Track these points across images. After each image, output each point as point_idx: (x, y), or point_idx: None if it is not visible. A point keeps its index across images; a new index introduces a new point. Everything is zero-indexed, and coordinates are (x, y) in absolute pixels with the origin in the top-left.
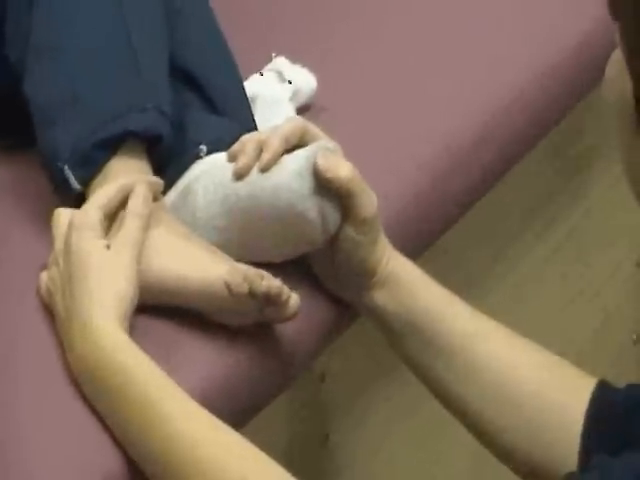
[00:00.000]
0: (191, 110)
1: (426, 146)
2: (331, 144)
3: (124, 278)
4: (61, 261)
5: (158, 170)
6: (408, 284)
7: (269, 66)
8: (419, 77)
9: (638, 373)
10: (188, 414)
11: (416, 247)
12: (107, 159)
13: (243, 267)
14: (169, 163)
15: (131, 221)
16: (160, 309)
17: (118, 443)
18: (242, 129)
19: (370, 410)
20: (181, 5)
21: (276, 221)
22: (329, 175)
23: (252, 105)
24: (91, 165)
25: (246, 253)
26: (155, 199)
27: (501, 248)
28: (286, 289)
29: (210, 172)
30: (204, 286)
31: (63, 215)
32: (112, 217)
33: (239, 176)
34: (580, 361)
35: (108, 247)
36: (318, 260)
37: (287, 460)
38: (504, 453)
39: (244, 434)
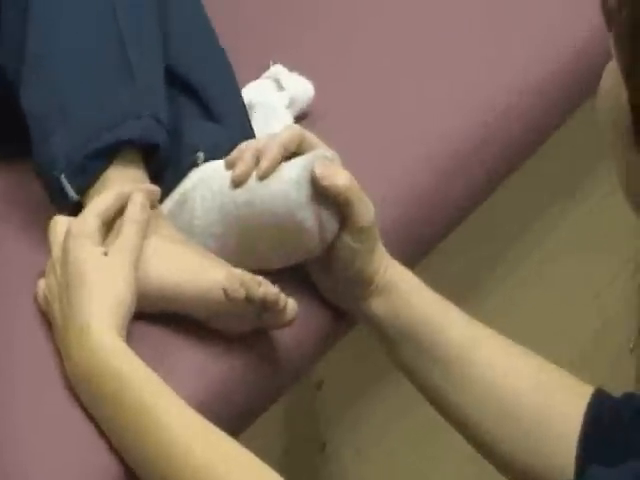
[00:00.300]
0: (188, 117)
1: (424, 153)
2: (329, 152)
3: (122, 285)
4: (58, 268)
5: (155, 178)
6: (405, 293)
7: (266, 74)
8: (417, 84)
9: (635, 381)
10: (184, 421)
11: (416, 253)
12: (104, 168)
13: (240, 272)
14: (166, 171)
15: (129, 229)
16: (156, 316)
17: (115, 447)
18: (240, 137)
19: (367, 417)
20: (176, 11)
21: (273, 229)
22: (327, 183)
23: (249, 113)
24: (88, 174)
25: (243, 261)
26: (152, 207)
27: (501, 250)
28: (283, 295)
29: (207, 180)
30: (201, 292)
31: (60, 223)
32: (109, 225)
33: (237, 184)
34: (579, 365)
35: (106, 254)
36: (315, 268)
37: (283, 468)
38: (503, 463)
39: (240, 441)
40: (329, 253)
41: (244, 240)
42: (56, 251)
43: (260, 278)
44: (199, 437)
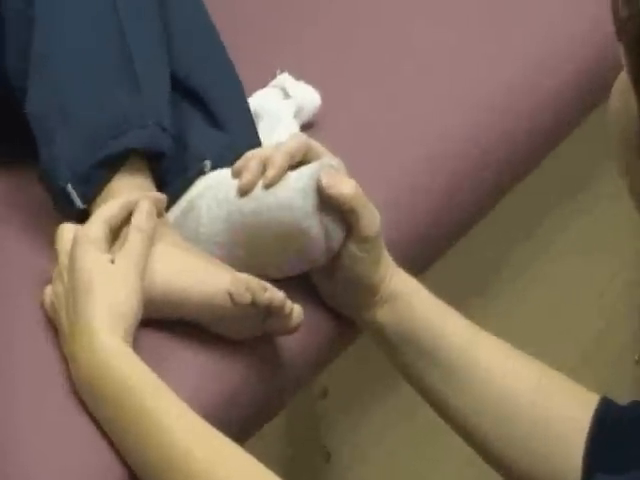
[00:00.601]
0: (195, 126)
1: (432, 164)
2: (335, 161)
3: (128, 293)
4: (65, 276)
5: (161, 186)
6: (411, 303)
7: (273, 82)
8: (425, 95)
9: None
10: (185, 424)
11: (422, 260)
12: (110, 176)
13: (246, 277)
14: (173, 179)
15: (135, 236)
16: (161, 321)
17: (116, 449)
18: (246, 145)
19: (370, 425)
20: (179, 16)
21: (279, 238)
22: (332, 192)
23: (256, 121)
24: (94, 183)
25: (249, 269)
26: (159, 215)
27: (506, 252)
28: (289, 301)
29: (214, 188)
30: (207, 296)
31: (67, 230)
32: (116, 233)
33: (243, 192)
34: (581, 364)
35: (112, 262)
36: (320, 277)
37: (287, 474)
38: (502, 466)
39: (243, 449)
40: (334, 262)
41: (250, 248)
42: (63, 258)
43: (266, 283)
44: (200, 440)
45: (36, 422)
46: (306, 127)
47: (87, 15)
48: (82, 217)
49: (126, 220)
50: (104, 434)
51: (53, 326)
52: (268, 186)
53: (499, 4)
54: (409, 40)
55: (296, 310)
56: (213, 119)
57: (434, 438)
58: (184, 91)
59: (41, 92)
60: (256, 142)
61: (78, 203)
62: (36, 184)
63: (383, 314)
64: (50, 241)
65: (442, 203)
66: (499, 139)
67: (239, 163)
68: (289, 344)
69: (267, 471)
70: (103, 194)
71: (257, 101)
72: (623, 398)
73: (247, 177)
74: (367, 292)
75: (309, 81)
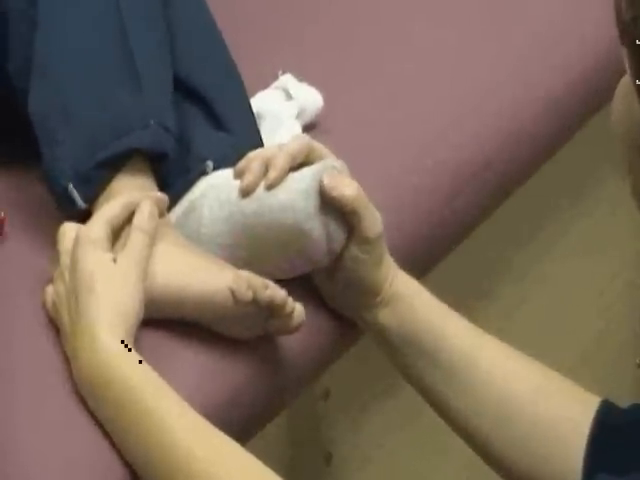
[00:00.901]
0: (197, 126)
1: (434, 164)
2: (337, 163)
3: (130, 293)
4: (67, 275)
5: (164, 186)
6: (412, 304)
7: (275, 83)
8: (427, 96)
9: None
10: (186, 423)
11: (424, 261)
12: (112, 177)
13: (248, 274)
14: (175, 179)
15: (137, 236)
16: (163, 321)
17: (118, 448)
18: (248, 146)
19: (373, 428)
20: (182, 17)
21: (281, 239)
22: (335, 194)
23: (258, 122)
24: (96, 183)
25: (250, 270)
26: (161, 215)
27: (507, 254)
28: (290, 300)
29: (216, 189)
30: (209, 294)
31: (69, 230)
32: (117, 233)
33: (245, 193)
34: (580, 364)
35: (114, 261)
36: (322, 278)
37: (288, 475)
38: (503, 468)
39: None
40: (336, 263)
41: (252, 249)
42: (64, 258)
43: (268, 281)
44: (201, 440)
45: (36, 422)
46: (308, 128)
47: (90, 15)
48: (84, 217)
49: (127, 220)
50: (105, 434)
51: (54, 326)
52: (270, 187)
53: (501, 3)
54: (410, 40)
55: (297, 309)
56: (215, 120)
57: (435, 439)
58: (186, 92)
59: (43, 92)
60: (258, 143)
61: (80, 203)
62: (37, 184)
63: (384, 316)
64: (51, 241)
65: (444, 204)
66: (503, 140)
67: (241, 164)
68: (291, 344)
69: (268, 470)
70: (105, 194)
71: (259, 102)
72: (623, 399)
73: (249, 178)
74: (369, 294)
75: (311, 82)
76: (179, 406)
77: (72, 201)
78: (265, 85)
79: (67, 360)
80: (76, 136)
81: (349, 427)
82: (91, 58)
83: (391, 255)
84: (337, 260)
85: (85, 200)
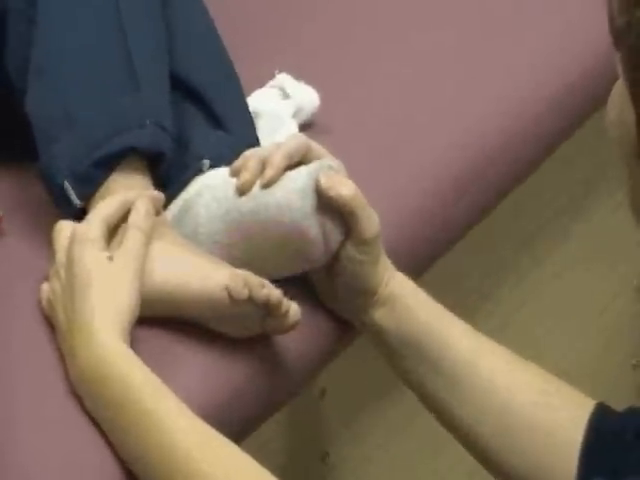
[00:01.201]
0: (194, 125)
1: (430, 164)
2: (334, 162)
3: (126, 290)
4: (63, 273)
5: (160, 184)
6: (408, 305)
7: (272, 82)
8: (424, 96)
9: (636, 396)
10: (185, 425)
11: (418, 265)
12: (108, 175)
13: (244, 273)
14: (172, 178)
15: (133, 234)
16: (160, 321)
17: (116, 449)
18: (245, 144)
19: (369, 427)
20: (180, 16)
21: (278, 238)
22: (331, 193)
23: (255, 121)
24: (92, 182)
25: (247, 269)
26: (157, 213)
27: (506, 267)
28: (286, 300)
29: (212, 187)
30: (205, 292)
31: (65, 228)
32: (113, 231)
33: (241, 192)
34: (580, 377)
35: (110, 259)
36: (318, 278)
37: (284, 475)
38: (502, 473)
39: (241, 449)
40: (333, 263)
41: (248, 248)
42: (60, 256)
43: (264, 280)
44: (200, 441)
45: (35, 420)
46: (305, 127)
47: (88, 15)
48: (80, 215)
49: (124, 218)
50: (104, 433)
51: (51, 324)
52: (266, 186)
53: (499, 3)
54: (409, 40)
55: (293, 308)
56: (212, 118)
57: (433, 439)
58: (184, 91)
59: (41, 91)
60: (255, 142)
61: (75, 201)
62: (36, 183)
63: (381, 316)
64: (50, 239)
65: (447, 205)
66: (506, 140)
67: (237, 162)
68: (288, 344)
69: (265, 472)
70: (101, 193)
71: (256, 101)
72: (620, 403)
73: (245, 176)
74: (365, 294)
75: (308, 81)
76: (178, 407)
77: (68, 199)
78: (261, 84)
79: (64, 358)
80: (73, 134)
81: (346, 426)
82: (89, 57)
83: (390, 255)
84: (334, 260)
85: (81, 198)
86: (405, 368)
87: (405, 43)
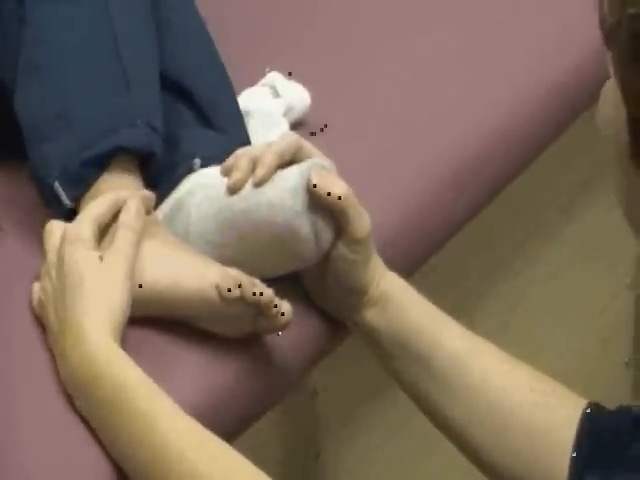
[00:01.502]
0: (184, 124)
1: (422, 164)
2: (325, 161)
3: (117, 290)
4: (54, 273)
5: (151, 184)
6: (400, 305)
7: (263, 81)
8: (416, 95)
9: (631, 395)
10: (177, 425)
11: (410, 264)
12: (98, 176)
13: (235, 272)
14: (162, 177)
15: (124, 234)
16: (153, 321)
17: (108, 451)
18: (236, 143)
19: (362, 426)
20: (171, 17)
21: (269, 237)
22: (323, 193)
23: (245, 120)
24: (82, 182)
25: (239, 268)
26: (147, 213)
27: (502, 264)
28: (278, 299)
29: (204, 186)
30: (196, 292)
31: (56, 228)
32: (104, 231)
33: (232, 191)
34: (576, 377)
35: (101, 259)
36: (310, 277)
37: (278, 475)
38: (492, 470)
39: (235, 447)
40: (324, 262)
41: (240, 247)
42: (51, 256)
43: (255, 279)
44: (193, 442)
45: (34, 420)
46: (296, 126)
47: (78, 16)
48: (70, 215)
49: (114, 218)
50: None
51: (43, 324)
52: (257, 185)
53: (498, 5)
54: (405, 41)
55: (285, 307)
56: (203, 118)
57: (427, 437)
58: (175, 90)
59: (30, 91)
60: (246, 141)
61: (66, 201)
62: (31, 183)
63: (372, 316)
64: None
65: (444, 204)
66: (501, 139)
67: (229, 161)
68: (280, 343)
69: (259, 472)
70: (91, 193)
71: (247, 100)
72: (616, 403)
73: (237, 176)
74: (356, 293)
75: (299, 80)
76: (171, 408)
77: (58, 200)
78: (252, 83)
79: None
80: (63, 135)
81: (340, 425)
82: (79, 58)
83: (385, 254)
84: (325, 259)
85: (71, 199)
86: (396, 368)
87: (398, 44)
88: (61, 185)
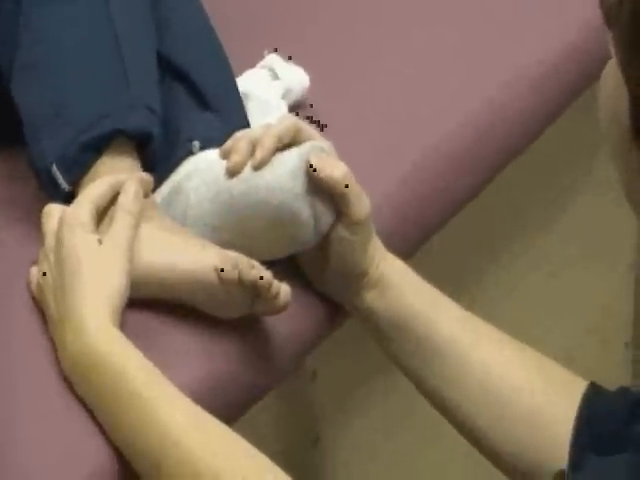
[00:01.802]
0: (183, 107)
1: (420, 145)
2: (325, 144)
3: (116, 273)
4: (52, 257)
5: (149, 168)
6: (399, 287)
7: (261, 63)
8: (413, 77)
9: (632, 376)
10: (178, 409)
11: (409, 246)
12: (95, 159)
13: (234, 254)
14: (161, 160)
15: (122, 217)
16: (151, 304)
17: (109, 436)
18: (235, 126)
19: (361, 410)
20: (172, 2)
21: (268, 220)
22: (322, 175)
23: (244, 102)
24: (80, 165)
25: (237, 251)
26: (145, 196)
27: (500, 244)
28: (276, 282)
29: (202, 169)
30: (194, 273)
31: (54, 211)
32: (102, 214)
33: (231, 173)
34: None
35: (100, 242)
36: (309, 260)
37: (276, 459)
38: (492, 454)
39: (233, 430)
40: (323, 245)
41: (238, 230)
42: (49, 240)
43: (253, 261)
44: (193, 426)
45: (34, 416)
46: (294, 108)
47: (77, 15)
48: (69, 201)
49: (112, 201)
50: (99, 423)
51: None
52: (257, 168)
53: (501, 1)
54: (401, 25)
55: (283, 289)
56: (202, 100)
57: (427, 422)
58: (174, 73)
59: (29, 89)
60: (245, 123)
61: (63, 185)
62: (30, 171)
63: (371, 298)
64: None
65: (438, 188)
66: (494, 124)
67: (228, 144)
68: (278, 325)
69: (259, 454)
70: (89, 176)
71: (245, 82)
72: (613, 383)
73: (236, 158)
74: (356, 275)
75: (298, 62)
76: (172, 392)
77: (56, 184)
78: (251, 65)
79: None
80: (61, 119)
81: (338, 410)
82: (75, 42)
83: (381, 236)
84: (325, 241)
85: (69, 183)
86: (395, 352)
87: (395, 25)
88: (59, 169)
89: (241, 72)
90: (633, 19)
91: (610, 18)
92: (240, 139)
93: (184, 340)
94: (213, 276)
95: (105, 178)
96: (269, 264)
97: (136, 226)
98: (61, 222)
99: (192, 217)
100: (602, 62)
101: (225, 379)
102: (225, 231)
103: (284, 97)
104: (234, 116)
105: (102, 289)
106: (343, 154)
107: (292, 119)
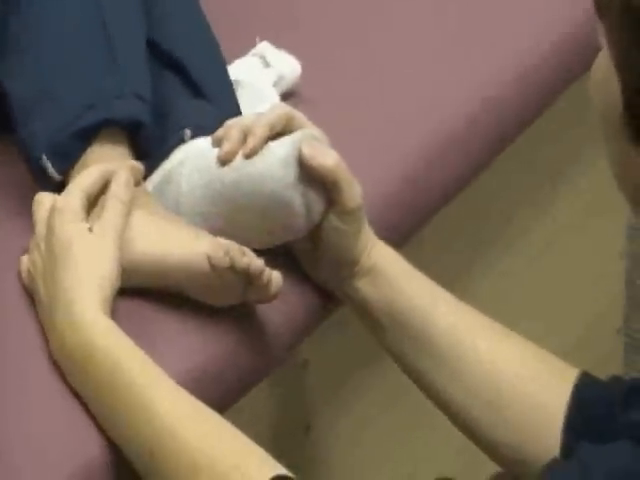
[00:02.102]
0: (175, 94)
1: (411, 134)
2: (317, 132)
3: (107, 261)
4: (43, 245)
5: (141, 156)
6: (391, 276)
7: (253, 51)
8: (405, 64)
9: (623, 364)
10: (171, 398)
11: (401, 235)
12: (86, 148)
13: (225, 242)
14: (152, 148)
15: (113, 205)
16: (143, 293)
17: (101, 425)
18: (227, 114)
19: (353, 398)
20: None
21: (260, 208)
22: (314, 163)
23: (236, 90)
24: (70, 154)
25: (229, 239)
26: (137, 184)
27: (495, 232)
28: (268, 269)
29: (194, 157)
30: (186, 261)
31: (45, 199)
32: (93, 202)
33: (223, 162)
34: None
35: (91, 230)
36: (301, 249)
37: (267, 447)
38: (487, 444)
39: (225, 419)
40: (315, 234)
41: (230, 218)
42: (40, 228)
43: (245, 248)
44: (189, 417)
45: (23, 408)
46: (286, 96)
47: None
48: (60, 190)
49: (103, 189)
50: (93, 418)
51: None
52: (248, 156)
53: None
54: (395, 15)
55: (275, 277)
56: (193, 88)
57: (420, 411)
58: (165, 60)
59: (17, 67)
60: (236, 111)
61: (54, 174)
62: (22, 160)
63: (363, 286)
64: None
65: (429, 172)
66: (485, 108)
67: (219, 132)
68: (270, 313)
69: (251, 443)
70: (79, 165)
71: (237, 70)
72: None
73: (227, 146)
74: (347, 264)
75: (290, 51)
76: (165, 382)
77: (46, 173)
78: (243, 53)
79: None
80: (51, 108)
81: (330, 397)
82: (65, 31)
83: (373, 224)
84: (316, 230)
85: (59, 172)
86: (388, 340)
87: (388, 14)
88: (49, 159)
89: (233, 60)
90: (623, 10)
91: (601, 8)
92: (232, 127)
93: (177, 328)
94: (205, 264)
95: (96, 166)
96: (261, 252)
97: (127, 214)
98: (52, 210)
99: (184, 205)
100: (593, 53)
101: (217, 367)
102: (217, 219)
103: (276, 85)
104: (226, 104)
105: (93, 277)
106: (334, 142)
107: (284, 107)
